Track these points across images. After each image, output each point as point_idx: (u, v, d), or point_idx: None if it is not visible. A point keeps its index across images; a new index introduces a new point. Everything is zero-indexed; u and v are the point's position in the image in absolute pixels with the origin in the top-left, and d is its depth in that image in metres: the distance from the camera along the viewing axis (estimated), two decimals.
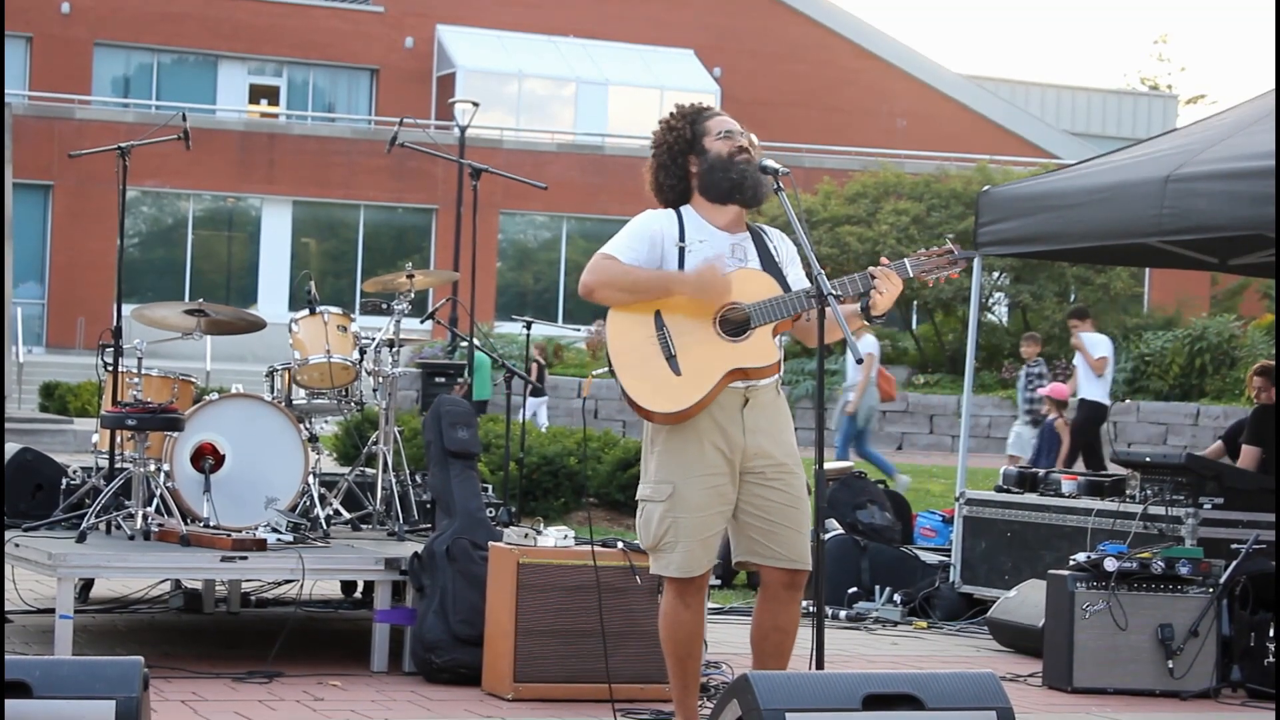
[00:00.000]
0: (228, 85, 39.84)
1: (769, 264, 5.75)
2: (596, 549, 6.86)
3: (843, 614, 9.73)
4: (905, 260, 5.75)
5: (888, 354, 29.48)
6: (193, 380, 8.48)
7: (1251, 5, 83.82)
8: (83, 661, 4.50)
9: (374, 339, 8.53)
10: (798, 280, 5.77)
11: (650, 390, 5.57)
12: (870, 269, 5.68)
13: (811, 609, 5.34)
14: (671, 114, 5.89)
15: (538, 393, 21.41)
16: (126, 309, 8.27)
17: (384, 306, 8.61)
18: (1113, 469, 10.08)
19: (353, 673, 7.25)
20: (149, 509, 7.60)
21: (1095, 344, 16.39)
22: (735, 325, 5.60)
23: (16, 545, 7.38)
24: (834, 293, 5.46)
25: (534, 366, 22.17)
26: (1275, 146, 8.39)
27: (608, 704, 6.56)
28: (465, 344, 17.97)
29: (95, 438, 8.40)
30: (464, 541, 7.23)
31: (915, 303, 29.53)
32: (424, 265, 34.59)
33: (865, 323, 5.75)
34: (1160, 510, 8.78)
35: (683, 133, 5.80)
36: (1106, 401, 16.59)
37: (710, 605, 8.40)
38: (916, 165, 35.34)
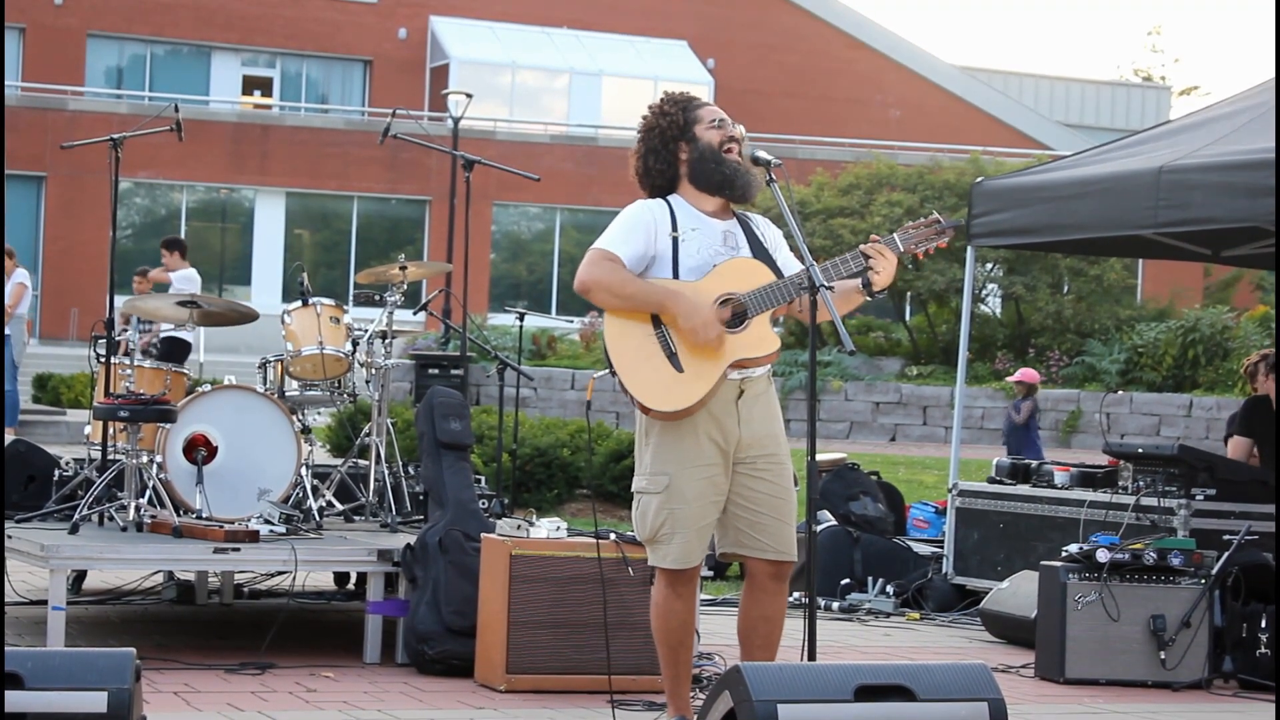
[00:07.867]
0: (221, 76, 39.79)
1: (759, 250, 5.75)
2: (590, 541, 6.87)
3: (835, 605, 9.73)
4: (894, 235, 5.76)
5: (880, 345, 29.49)
6: (185, 372, 8.48)
7: None
8: (75, 653, 4.50)
9: (367, 330, 8.53)
10: (786, 263, 5.78)
11: (655, 389, 5.55)
12: (861, 247, 5.69)
13: (803, 600, 5.33)
14: (663, 99, 5.86)
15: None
16: (119, 300, 8.27)
17: (377, 298, 8.61)
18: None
19: (345, 664, 7.24)
20: (141, 500, 7.59)
21: None
22: (733, 316, 5.60)
23: (9, 536, 7.37)
24: (828, 285, 5.46)
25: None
26: (1275, 138, 8.38)
27: (600, 695, 6.56)
28: (458, 335, 17.93)
29: (88, 429, 8.40)
30: (456, 533, 7.23)
31: (909, 294, 29.51)
32: (417, 257, 34.65)
33: (868, 298, 5.74)
34: (1153, 501, 8.79)
35: (675, 118, 5.77)
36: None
37: (703, 597, 8.42)
38: (909, 156, 35.32)
